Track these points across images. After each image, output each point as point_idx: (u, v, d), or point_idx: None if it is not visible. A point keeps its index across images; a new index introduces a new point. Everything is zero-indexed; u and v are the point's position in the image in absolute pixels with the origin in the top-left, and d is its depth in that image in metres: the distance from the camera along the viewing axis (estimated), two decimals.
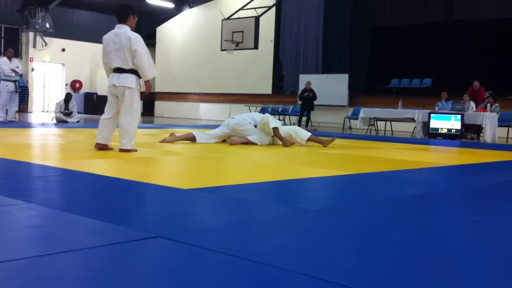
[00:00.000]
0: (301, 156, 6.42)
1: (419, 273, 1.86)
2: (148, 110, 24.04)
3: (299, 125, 15.26)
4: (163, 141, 7.22)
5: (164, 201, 3.09)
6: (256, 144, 7.31)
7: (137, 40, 5.62)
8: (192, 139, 7.40)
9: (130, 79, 5.65)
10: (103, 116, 5.80)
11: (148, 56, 5.73)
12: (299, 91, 16.74)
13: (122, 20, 5.75)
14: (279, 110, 17.85)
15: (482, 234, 2.56)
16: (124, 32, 5.64)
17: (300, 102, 16.60)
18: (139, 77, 5.73)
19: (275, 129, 7.36)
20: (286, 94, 19.61)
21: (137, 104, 5.73)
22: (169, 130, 8.37)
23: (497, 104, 12.48)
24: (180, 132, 8.17)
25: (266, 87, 19.97)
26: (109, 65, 5.74)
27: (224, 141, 7.59)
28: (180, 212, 2.77)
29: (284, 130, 7.64)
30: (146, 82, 5.80)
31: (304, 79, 18.07)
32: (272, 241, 2.23)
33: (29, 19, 20.12)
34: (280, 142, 7.45)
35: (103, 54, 5.80)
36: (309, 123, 16.10)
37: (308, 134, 7.75)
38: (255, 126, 7.50)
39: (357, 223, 2.69)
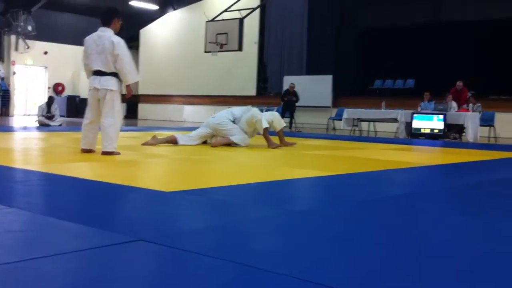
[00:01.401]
0: (285, 158, 6.43)
1: (403, 273, 1.87)
2: (131, 113, 23.92)
3: (290, 128, 15.29)
4: (145, 143, 7.19)
5: (147, 204, 3.08)
6: (239, 145, 7.28)
7: (120, 44, 5.60)
8: (174, 141, 7.36)
9: (111, 82, 5.63)
10: (85, 121, 5.78)
11: (130, 60, 5.72)
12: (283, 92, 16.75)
13: (106, 23, 5.73)
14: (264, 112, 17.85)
15: (465, 233, 2.59)
16: (107, 36, 5.62)
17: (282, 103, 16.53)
18: (120, 80, 5.72)
19: (266, 129, 7.33)
20: (270, 96, 19.62)
21: (119, 107, 5.72)
22: (153, 133, 8.33)
23: (479, 104, 12.61)
24: (163, 134, 8.13)
25: (250, 89, 19.98)
26: (90, 67, 5.72)
27: (205, 142, 7.51)
28: (163, 215, 2.76)
29: (244, 118, 7.49)
30: (127, 86, 5.78)
31: (288, 81, 18.08)
32: (257, 243, 2.23)
33: (11, 22, 19.93)
34: (265, 143, 7.43)
35: (84, 55, 5.77)
36: (293, 124, 16.09)
37: (265, 126, 7.39)
38: (234, 121, 7.45)
39: (342, 223, 2.70)
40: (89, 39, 5.72)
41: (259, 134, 7.71)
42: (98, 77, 5.64)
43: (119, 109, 5.73)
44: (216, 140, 7.36)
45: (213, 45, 15.66)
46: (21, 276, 1.68)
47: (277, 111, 17.47)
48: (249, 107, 7.77)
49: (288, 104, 16.07)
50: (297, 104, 16.23)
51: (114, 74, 5.65)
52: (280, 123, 7.64)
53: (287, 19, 19.19)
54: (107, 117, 5.60)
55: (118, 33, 5.77)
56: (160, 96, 22.87)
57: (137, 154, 5.98)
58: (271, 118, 7.55)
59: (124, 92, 5.81)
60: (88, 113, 5.78)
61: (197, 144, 7.40)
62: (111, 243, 2.07)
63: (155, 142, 7.22)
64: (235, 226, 2.52)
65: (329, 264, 1.95)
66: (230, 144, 7.29)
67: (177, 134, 7.59)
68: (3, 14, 20.26)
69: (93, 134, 5.77)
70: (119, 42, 5.61)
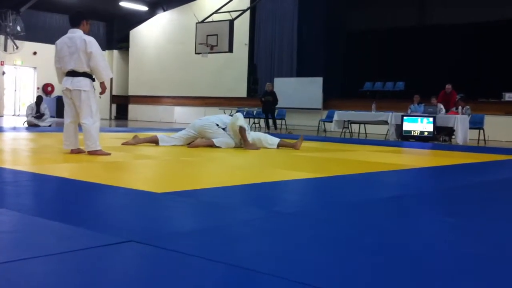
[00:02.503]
0: (276, 159, 6.43)
1: (393, 275, 1.87)
2: (121, 114, 23.84)
3: (268, 129, 15.23)
4: (125, 143, 7.16)
5: (137, 205, 3.06)
6: (220, 148, 7.20)
7: (92, 42, 5.66)
8: (155, 141, 7.33)
9: (84, 82, 5.67)
10: (66, 121, 5.83)
11: (103, 58, 5.81)
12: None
13: (75, 25, 5.78)
14: (254, 113, 17.86)
15: (454, 236, 2.60)
16: (78, 36, 5.67)
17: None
18: (93, 79, 5.77)
19: (241, 128, 7.29)
20: (261, 97, 19.60)
21: (95, 106, 5.76)
22: (144, 134, 8.31)
23: (468, 107, 12.68)
24: (148, 135, 8.09)
25: (241, 90, 19.98)
26: (63, 69, 5.76)
27: (189, 144, 7.39)
28: (153, 216, 2.74)
29: (252, 136, 7.56)
30: (102, 83, 5.81)
31: (278, 82, 18.12)
32: (247, 245, 2.22)
33: (0, 23, 19.79)
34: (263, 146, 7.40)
35: (56, 60, 5.83)
36: (275, 125, 15.91)
37: (277, 140, 7.71)
38: (224, 129, 7.41)
39: (332, 225, 2.70)
40: (60, 42, 5.78)
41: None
42: (70, 78, 5.70)
43: (96, 108, 5.78)
44: (196, 141, 7.31)
45: (204, 47, 15.65)
46: (10, 277, 1.66)
47: (247, 112, 17.51)
48: (239, 113, 7.69)
49: (266, 105, 15.77)
50: (277, 106, 15.90)
51: (86, 75, 5.69)
52: (235, 123, 7.35)
53: (277, 21, 19.23)
54: (86, 117, 5.66)
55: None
56: (150, 97, 22.82)
57: (126, 155, 5.96)
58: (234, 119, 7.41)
59: (98, 91, 5.83)
60: (66, 113, 5.83)
61: (179, 145, 7.33)
62: (101, 244, 2.05)
63: (135, 142, 7.20)
64: (226, 227, 2.51)
65: (319, 266, 1.94)
66: (210, 146, 7.21)
67: (159, 135, 7.56)
68: None
69: (73, 134, 5.82)
70: (91, 40, 5.67)
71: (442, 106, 12.69)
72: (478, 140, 12.78)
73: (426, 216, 3.09)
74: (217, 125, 7.37)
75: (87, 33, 5.80)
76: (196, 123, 7.55)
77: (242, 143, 7.38)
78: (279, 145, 7.63)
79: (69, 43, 5.66)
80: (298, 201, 3.60)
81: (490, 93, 15.00)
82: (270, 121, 15.97)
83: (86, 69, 5.66)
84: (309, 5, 18.56)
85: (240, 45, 18.03)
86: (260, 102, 16.16)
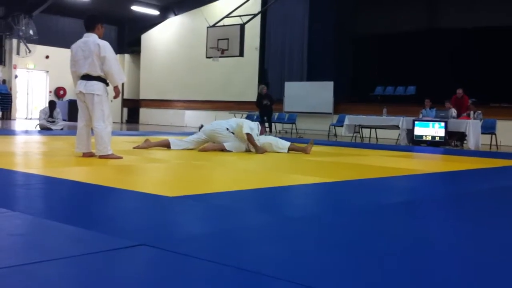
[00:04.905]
0: (286, 164, 6.43)
1: (404, 281, 1.87)
2: (132, 118, 23.93)
3: (270, 132, 15.11)
4: (137, 147, 7.19)
5: (149, 208, 3.08)
6: (231, 151, 7.23)
7: (106, 47, 5.69)
8: (167, 145, 7.36)
9: (97, 86, 5.71)
10: (79, 124, 5.87)
11: (117, 62, 5.83)
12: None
13: (90, 29, 5.82)
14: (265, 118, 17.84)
15: (465, 241, 2.58)
16: (92, 40, 5.71)
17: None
18: (107, 84, 5.79)
19: (248, 135, 7.31)
20: (265, 103, 19.54)
21: (108, 110, 5.80)
22: (155, 138, 8.33)
23: (479, 112, 12.61)
24: (161, 139, 8.12)
25: (251, 94, 19.95)
26: (78, 73, 5.80)
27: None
28: (165, 220, 2.75)
29: (262, 140, 7.57)
30: (115, 87, 5.85)
31: (289, 87, 18.12)
32: (258, 249, 2.22)
33: (13, 26, 19.96)
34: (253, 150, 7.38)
35: (72, 63, 5.87)
36: (270, 128, 15.61)
37: (288, 143, 7.72)
38: (233, 133, 7.44)
39: (342, 230, 2.70)
40: (75, 46, 5.82)
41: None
42: (84, 82, 5.73)
43: (109, 112, 5.81)
44: (207, 145, 7.35)
45: (214, 51, 15.68)
46: (23, 280, 1.68)
47: (278, 117, 17.53)
48: (243, 119, 7.71)
49: (265, 108, 15.41)
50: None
51: (100, 79, 5.72)
52: (241, 131, 7.35)
53: (288, 25, 19.23)
54: (98, 121, 5.70)
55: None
56: (161, 101, 22.89)
57: (138, 159, 5.99)
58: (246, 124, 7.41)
59: (112, 95, 5.86)
60: (80, 117, 5.87)
61: (190, 149, 7.37)
62: (113, 248, 2.06)
63: (147, 145, 7.23)
64: (236, 231, 2.52)
65: (327, 270, 1.94)
66: (221, 150, 7.26)
67: (171, 138, 7.59)
68: (5, 18, 20.30)
69: (87, 138, 5.86)
70: (105, 44, 5.71)
71: (454, 111, 12.63)
72: (490, 145, 12.70)
73: (437, 221, 3.07)
74: (227, 129, 7.40)
75: (101, 37, 5.84)
76: (207, 127, 7.58)
77: (250, 147, 7.43)
78: (289, 149, 7.63)
79: (83, 47, 5.70)
80: (309, 205, 3.60)
81: (502, 98, 14.91)
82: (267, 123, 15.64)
83: (100, 73, 5.70)
84: (320, 9, 18.55)
85: (250, 49, 18.04)
86: (257, 107, 15.67)
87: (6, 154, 6.22)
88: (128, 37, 23.91)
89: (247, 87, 19.93)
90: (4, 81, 20.58)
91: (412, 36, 17.28)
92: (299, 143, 8.20)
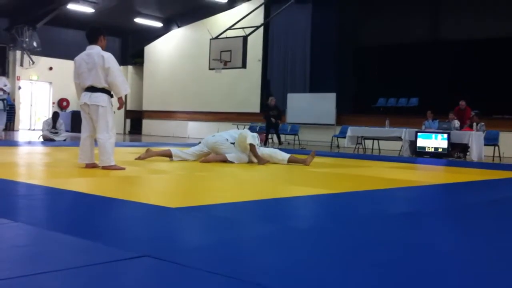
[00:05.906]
0: (289, 175, 6.42)
1: None
2: (135, 129, 23.97)
3: (280, 144, 15.10)
4: (138, 158, 7.20)
5: (152, 220, 3.07)
6: (233, 163, 7.23)
7: (110, 58, 5.72)
8: (169, 155, 7.36)
9: (102, 97, 5.73)
10: (83, 135, 5.89)
11: (121, 73, 5.86)
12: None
13: (93, 41, 5.85)
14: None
15: (468, 252, 2.57)
16: (96, 52, 5.74)
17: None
18: (111, 95, 5.82)
19: (251, 145, 7.31)
20: (271, 114, 19.59)
21: (112, 122, 5.83)
22: (158, 149, 8.33)
23: (482, 123, 12.60)
24: (159, 149, 8.13)
25: (254, 106, 20.02)
26: (82, 85, 5.83)
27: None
28: (168, 231, 2.75)
29: (261, 151, 7.57)
30: (119, 99, 5.89)
31: (292, 98, 18.14)
32: (261, 260, 2.21)
33: (16, 38, 20.07)
34: (256, 161, 7.36)
35: (75, 76, 5.90)
36: (279, 140, 15.60)
37: (287, 155, 7.69)
38: (233, 143, 7.44)
39: (345, 241, 2.69)
40: (79, 58, 5.85)
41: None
42: (88, 93, 5.75)
43: (112, 123, 5.84)
44: (209, 156, 7.34)
45: (217, 62, 15.73)
46: None
47: (281, 128, 17.50)
48: (246, 130, 7.70)
49: (270, 120, 15.31)
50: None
51: (105, 91, 5.75)
52: (244, 142, 7.32)
53: (291, 37, 19.29)
54: (102, 132, 5.72)
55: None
56: (164, 112, 22.93)
57: (141, 170, 5.99)
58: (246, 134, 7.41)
59: (116, 106, 5.88)
60: (84, 128, 5.90)
61: (191, 160, 7.37)
62: (116, 259, 2.06)
63: (148, 156, 7.23)
64: (240, 243, 2.51)
65: (335, 282, 1.93)
66: (223, 161, 7.26)
67: (173, 149, 7.60)
68: (9, 30, 20.41)
69: (90, 149, 5.87)
70: (109, 56, 5.74)
71: (457, 122, 12.63)
72: (493, 156, 12.67)
73: (440, 233, 3.06)
74: (227, 139, 7.41)
75: (104, 48, 5.87)
76: (209, 139, 7.59)
77: (251, 158, 7.41)
78: (289, 161, 7.60)
79: (87, 60, 5.73)
80: (312, 216, 3.59)
81: (505, 110, 14.90)
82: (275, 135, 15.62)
83: (104, 85, 5.72)
84: (322, 21, 18.61)
85: (253, 60, 18.10)
86: (264, 118, 15.64)
87: (9, 165, 6.22)
88: (131, 49, 24.01)
89: (250, 99, 19.97)
90: (8, 93, 20.64)
91: (414, 47, 17.32)
92: (301, 155, 8.19)
